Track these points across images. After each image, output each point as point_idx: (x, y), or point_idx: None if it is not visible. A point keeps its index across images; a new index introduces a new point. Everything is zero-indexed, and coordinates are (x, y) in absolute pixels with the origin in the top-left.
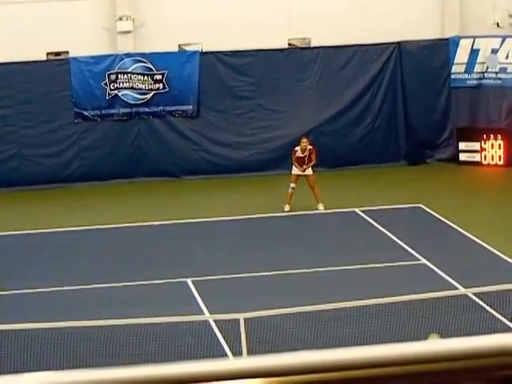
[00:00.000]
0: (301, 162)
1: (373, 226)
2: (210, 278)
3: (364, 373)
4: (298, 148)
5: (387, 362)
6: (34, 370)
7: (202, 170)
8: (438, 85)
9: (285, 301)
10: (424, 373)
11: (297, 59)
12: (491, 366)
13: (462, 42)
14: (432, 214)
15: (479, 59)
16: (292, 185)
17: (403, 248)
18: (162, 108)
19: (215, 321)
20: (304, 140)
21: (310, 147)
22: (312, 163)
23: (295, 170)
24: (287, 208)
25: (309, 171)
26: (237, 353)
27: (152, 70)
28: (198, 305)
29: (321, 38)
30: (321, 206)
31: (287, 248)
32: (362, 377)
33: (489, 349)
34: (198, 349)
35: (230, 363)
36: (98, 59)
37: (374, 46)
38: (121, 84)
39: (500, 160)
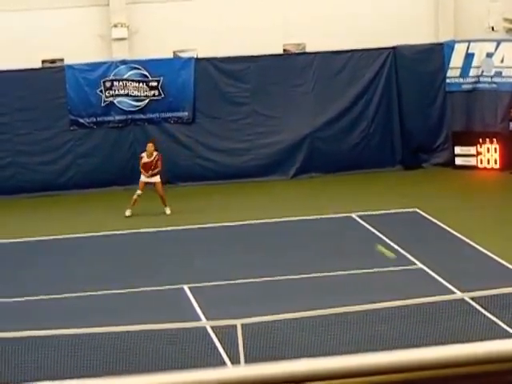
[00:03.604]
0: (147, 167)
1: (369, 230)
2: (207, 284)
3: (361, 381)
4: (143, 154)
5: (384, 370)
6: (34, 379)
7: (197, 176)
8: (434, 89)
9: (282, 306)
10: (430, 379)
11: (292, 65)
12: (496, 372)
13: (457, 46)
14: (428, 218)
15: (474, 63)
16: (138, 192)
17: (399, 252)
18: (157, 115)
19: (212, 327)
20: (150, 144)
21: (156, 153)
22: (158, 169)
23: (142, 178)
24: (128, 213)
25: (156, 179)
26: (234, 359)
27: (147, 77)
28: (195, 311)
29: (316, 43)
30: (168, 210)
31: (284, 253)
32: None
33: (493, 354)
34: (195, 355)
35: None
36: (93, 66)
37: (369, 50)
38: (116, 91)
39: (496, 164)
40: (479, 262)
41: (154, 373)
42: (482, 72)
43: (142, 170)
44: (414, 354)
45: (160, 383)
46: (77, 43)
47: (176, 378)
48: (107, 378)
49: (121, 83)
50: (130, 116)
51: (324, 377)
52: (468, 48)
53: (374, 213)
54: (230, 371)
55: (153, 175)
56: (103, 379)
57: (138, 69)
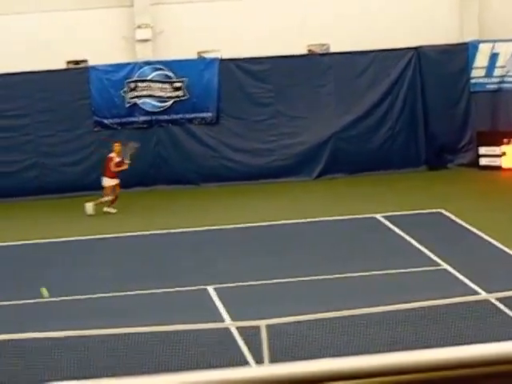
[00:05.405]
0: (120, 165)
1: (393, 231)
2: (231, 285)
3: (382, 380)
4: (113, 154)
5: (409, 370)
6: (53, 380)
7: (221, 177)
8: (458, 89)
9: (306, 307)
10: (452, 379)
11: (316, 65)
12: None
13: (482, 46)
14: (453, 219)
15: (499, 63)
16: (108, 198)
17: (424, 253)
18: (181, 115)
19: (236, 328)
20: (117, 144)
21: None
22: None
23: (108, 181)
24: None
25: (117, 180)
26: (258, 360)
27: (171, 78)
28: (219, 312)
29: (339, 43)
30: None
31: (308, 254)
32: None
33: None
34: (219, 356)
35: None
36: (117, 67)
37: (393, 51)
38: (140, 92)
39: None
40: (504, 263)
41: (178, 373)
42: (507, 72)
43: (115, 171)
44: (438, 354)
45: (185, 382)
46: (101, 44)
47: (199, 377)
48: (128, 378)
49: (145, 84)
50: (154, 117)
51: (347, 376)
52: (493, 48)
53: (398, 213)
54: (254, 371)
55: (118, 176)
56: (123, 379)
57: (162, 70)
